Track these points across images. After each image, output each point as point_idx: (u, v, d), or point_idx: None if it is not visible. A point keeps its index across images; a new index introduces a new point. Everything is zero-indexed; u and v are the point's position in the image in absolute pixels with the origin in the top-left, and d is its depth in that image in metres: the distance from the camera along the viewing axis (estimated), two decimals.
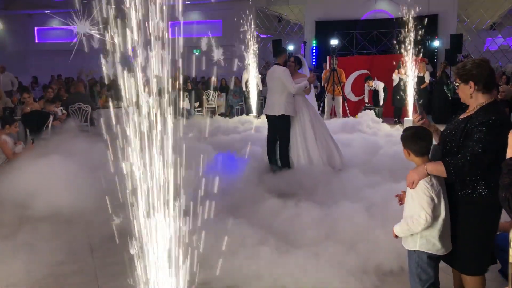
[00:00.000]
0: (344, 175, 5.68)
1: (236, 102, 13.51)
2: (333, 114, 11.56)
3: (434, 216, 2.35)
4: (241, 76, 13.29)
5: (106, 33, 2.05)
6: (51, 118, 7.12)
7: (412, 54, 10.53)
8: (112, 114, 2.15)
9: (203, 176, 2.32)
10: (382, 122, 10.52)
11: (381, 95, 11.44)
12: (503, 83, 10.38)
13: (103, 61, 2.09)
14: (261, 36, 19.10)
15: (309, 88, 6.34)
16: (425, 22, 10.96)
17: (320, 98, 12.12)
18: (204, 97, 13.08)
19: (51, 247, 3.80)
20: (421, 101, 2.72)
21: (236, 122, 10.89)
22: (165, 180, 2.17)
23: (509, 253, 1.68)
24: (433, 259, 2.43)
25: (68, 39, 21.88)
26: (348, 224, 3.93)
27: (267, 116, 6.26)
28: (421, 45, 10.66)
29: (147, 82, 2.10)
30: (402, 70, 10.97)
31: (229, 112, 13.41)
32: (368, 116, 10.40)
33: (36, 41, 22.79)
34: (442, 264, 2.55)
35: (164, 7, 2.07)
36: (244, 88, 12.85)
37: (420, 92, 11.06)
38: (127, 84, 2.09)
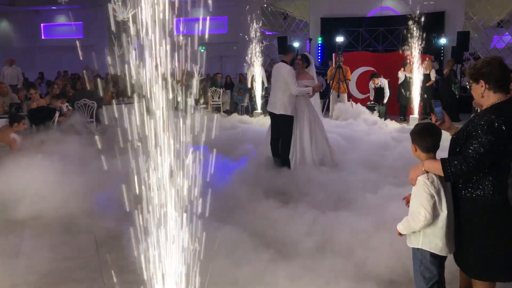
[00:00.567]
0: (341, 176, 5.63)
1: (241, 99, 13.51)
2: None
3: (435, 214, 2.33)
4: (246, 73, 13.28)
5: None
6: (57, 114, 7.16)
7: (418, 51, 10.49)
8: (118, 110, 2.16)
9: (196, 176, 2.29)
10: (384, 120, 10.51)
11: (386, 93, 11.38)
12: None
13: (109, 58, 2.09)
14: (267, 33, 19.06)
15: (312, 94, 6.37)
16: (432, 19, 10.90)
17: (325, 95, 12.09)
18: (209, 94, 13.08)
19: (56, 243, 3.83)
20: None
21: (234, 121, 10.87)
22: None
23: None
24: (437, 258, 2.41)
25: (74, 36, 21.97)
26: (343, 229, 3.80)
27: (270, 113, 6.27)
28: (427, 42, 10.60)
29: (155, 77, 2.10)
30: (408, 68, 10.94)
31: (234, 109, 13.42)
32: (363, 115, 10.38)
33: (42, 37, 22.86)
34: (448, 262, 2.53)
35: (166, 4, 2.07)
36: (249, 85, 12.84)
37: (426, 90, 11.01)
38: (134, 79, 2.09)
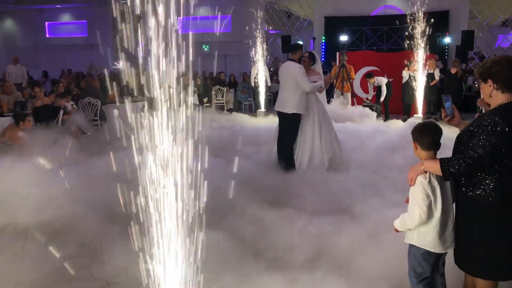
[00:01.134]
0: (344, 179, 5.49)
1: (244, 98, 13.51)
2: None
3: (430, 213, 2.35)
4: (250, 71, 13.28)
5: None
6: (61, 112, 7.19)
7: (423, 50, 10.46)
8: (122, 109, 2.17)
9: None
10: (384, 120, 10.48)
11: (384, 91, 11.29)
12: None
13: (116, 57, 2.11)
14: (270, 31, 19.05)
15: (323, 88, 6.29)
16: (436, 18, 10.86)
17: (329, 94, 12.07)
18: (212, 92, 13.09)
19: (60, 241, 3.85)
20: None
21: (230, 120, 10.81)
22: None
23: None
24: (431, 255, 2.43)
25: (79, 34, 22.05)
26: (339, 237, 3.68)
27: (278, 113, 6.17)
28: (432, 41, 10.56)
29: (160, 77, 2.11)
30: (412, 67, 10.91)
31: (237, 108, 13.42)
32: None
33: (47, 35, 22.95)
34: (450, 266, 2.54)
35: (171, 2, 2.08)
36: (252, 84, 12.84)
37: (430, 89, 10.98)
38: (136, 79, 2.11)
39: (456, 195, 2.45)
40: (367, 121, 10.08)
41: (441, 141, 2.46)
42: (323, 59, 16.52)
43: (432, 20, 10.37)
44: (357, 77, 12.66)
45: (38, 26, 22.67)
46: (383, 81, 11.36)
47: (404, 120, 10.94)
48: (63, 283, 3.26)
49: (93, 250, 3.74)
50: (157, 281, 2.29)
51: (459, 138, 2.43)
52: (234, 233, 3.74)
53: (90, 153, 6.38)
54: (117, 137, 2.14)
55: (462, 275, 2.70)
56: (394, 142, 7.32)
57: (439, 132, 2.43)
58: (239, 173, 5.45)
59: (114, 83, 2.21)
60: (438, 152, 2.46)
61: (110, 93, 9.54)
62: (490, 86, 2.32)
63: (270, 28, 18.87)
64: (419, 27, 10.38)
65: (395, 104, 11.69)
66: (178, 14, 2.13)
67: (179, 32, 2.14)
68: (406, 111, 11.42)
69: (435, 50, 12.80)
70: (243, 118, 11.48)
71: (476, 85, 12.10)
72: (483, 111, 2.62)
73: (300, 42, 16.30)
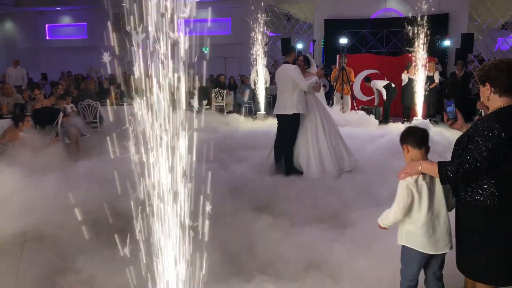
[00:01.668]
0: (339, 185, 5.38)
1: (244, 100, 13.51)
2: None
3: (409, 212, 2.39)
4: (249, 74, 13.29)
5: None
6: (61, 114, 7.19)
7: (422, 53, 10.47)
8: (121, 111, 2.16)
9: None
10: (381, 122, 10.44)
11: (383, 94, 11.24)
12: None
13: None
14: (270, 34, 19.06)
15: (319, 84, 6.26)
16: (436, 21, 10.88)
17: (328, 97, 12.08)
18: (212, 95, 13.09)
19: (59, 241, 3.84)
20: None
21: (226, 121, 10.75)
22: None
23: None
24: (421, 256, 2.45)
25: (79, 36, 22.08)
26: (331, 250, 3.54)
27: (278, 116, 6.18)
28: (431, 44, 10.57)
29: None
30: (412, 70, 10.91)
31: (237, 110, 13.41)
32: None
33: (47, 38, 22.98)
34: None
35: (167, 4, 2.07)
36: (252, 86, 12.84)
37: (430, 91, 10.98)
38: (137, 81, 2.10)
39: (456, 200, 2.46)
40: (365, 125, 10.03)
41: (443, 145, 2.47)
42: (323, 61, 16.55)
43: (431, 23, 10.39)
44: (357, 80, 12.67)
45: (38, 28, 22.71)
46: (379, 85, 11.32)
47: (403, 123, 10.95)
48: None
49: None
50: None
51: (458, 142, 2.43)
52: (222, 242, 3.55)
53: (85, 156, 6.40)
54: (114, 142, 2.12)
55: (463, 279, 2.68)
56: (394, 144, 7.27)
57: (425, 131, 2.49)
58: (233, 178, 5.41)
59: (111, 86, 2.18)
60: (439, 156, 2.46)
61: (111, 95, 9.55)
62: (488, 89, 2.32)
63: (270, 30, 18.89)
64: (419, 30, 10.38)
65: (395, 107, 11.68)
66: (178, 17, 2.13)
67: (179, 34, 2.13)
68: (406, 114, 11.42)
69: (435, 53, 12.81)
70: (241, 121, 11.48)
71: (476, 88, 12.13)
72: (483, 114, 2.61)
73: (300, 46, 16.35)
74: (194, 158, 2.18)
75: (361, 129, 9.34)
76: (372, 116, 10.68)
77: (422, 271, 2.58)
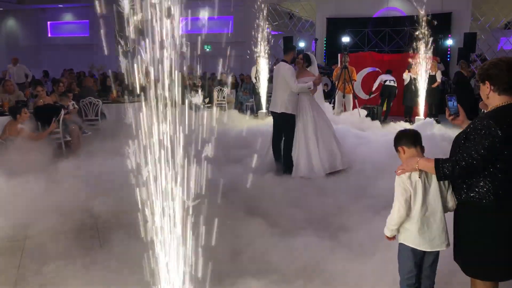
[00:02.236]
0: (339, 185, 5.31)
1: (246, 99, 13.52)
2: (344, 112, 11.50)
3: (410, 208, 2.39)
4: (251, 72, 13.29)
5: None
6: (62, 111, 7.19)
7: (425, 52, 10.44)
8: (123, 109, 2.16)
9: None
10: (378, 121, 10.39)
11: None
12: None
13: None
14: (272, 32, 19.03)
15: (314, 89, 6.20)
16: (439, 20, 10.84)
17: (330, 96, 12.07)
18: (214, 93, 13.09)
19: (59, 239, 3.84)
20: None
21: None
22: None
23: None
24: (416, 254, 2.45)
25: (81, 34, 22.09)
26: (325, 255, 3.40)
27: (272, 113, 6.22)
28: (434, 43, 10.54)
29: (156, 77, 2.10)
30: (414, 70, 10.89)
31: (239, 109, 13.42)
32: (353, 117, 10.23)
33: (49, 35, 23.00)
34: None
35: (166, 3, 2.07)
36: (253, 79, 12.83)
37: (432, 91, 10.96)
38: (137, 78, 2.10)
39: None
40: (364, 125, 9.95)
41: (445, 141, 2.47)
42: (324, 60, 16.53)
43: (435, 22, 10.36)
44: (359, 79, 12.64)
45: (40, 26, 22.73)
46: (383, 78, 11.34)
47: (406, 121, 10.93)
48: None
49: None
50: None
51: (456, 139, 2.45)
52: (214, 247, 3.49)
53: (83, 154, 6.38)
54: (115, 139, 2.12)
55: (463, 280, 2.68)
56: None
57: (416, 131, 2.55)
58: (228, 177, 5.05)
59: (116, 83, 2.18)
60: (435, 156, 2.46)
61: (112, 92, 9.55)
62: (488, 88, 2.32)
63: (272, 29, 18.87)
64: (421, 29, 10.35)
65: (396, 106, 11.67)
66: (181, 15, 2.12)
67: (181, 32, 2.13)
68: (408, 113, 11.40)
69: (437, 53, 12.78)
70: (243, 119, 11.46)
71: (477, 87, 12.09)
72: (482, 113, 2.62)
73: (302, 44, 16.32)
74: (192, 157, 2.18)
75: (362, 128, 9.30)
76: (376, 121, 10.56)
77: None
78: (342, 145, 6.36)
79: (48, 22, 22.82)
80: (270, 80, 12.44)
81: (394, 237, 2.55)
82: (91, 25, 21.61)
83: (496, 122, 2.19)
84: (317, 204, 4.70)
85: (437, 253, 2.51)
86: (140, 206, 2.21)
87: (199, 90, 2.19)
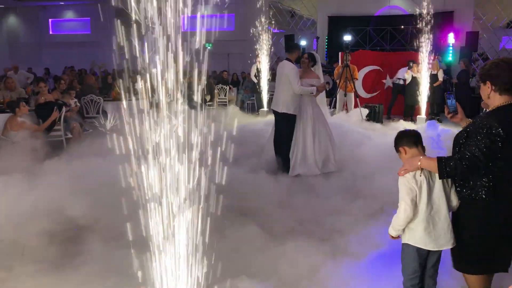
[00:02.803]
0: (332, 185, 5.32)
1: (247, 97, 13.51)
2: (345, 110, 11.47)
3: (416, 208, 2.39)
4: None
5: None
6: (64, 109, 7.19)
7: (426, 51, 10.42)
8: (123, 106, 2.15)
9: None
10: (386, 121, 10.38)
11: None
12: None
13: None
14: (274, 31, 19.01)
15: (317, 94, 6.22)
16: (441, 19, 10.81)
17: (332, 94, 12.05)
18: (216, 91, 13.08)
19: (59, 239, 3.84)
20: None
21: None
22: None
23: None
24: (421, 253, 2.45)
25: (82, 31, 22.08)
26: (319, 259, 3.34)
27: (273, 111, 6.22)
28: (436, 42, 10.52)
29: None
30: (415, 68, 10.86)
31: (240, 107, 13.41)
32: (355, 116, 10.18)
33: (50, 32, 22.99)
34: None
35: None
36: (252, 77, 12.81)
37: (433, 90, 10.93)
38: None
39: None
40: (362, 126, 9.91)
41: (447, 140, 2.48)
42: (326, 58, 16.50)
43: (436, 20, 10.34)
44: (360, 77, 12.61)
45: (41, 23, 22.72)
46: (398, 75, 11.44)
47: (406, 120, 10.91)
48: None
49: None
50: None
51: (456, 138, 2.48)
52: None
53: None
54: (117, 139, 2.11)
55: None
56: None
57: (417, 131, 2.56)
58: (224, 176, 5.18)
59: (115, 82, 2.18)
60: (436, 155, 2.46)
61: (114, 90, 9.54)
62: (489, 87, 2.35)
63: (274, 27, 18.85)
64: (423, 28, 10.32)
65: (397, 105, 11.64)
66: (182, 12, 2.11)
67: (183, 30, 2.12)
68: (409, 112, 11.38)
69: (439, 51, 12.76)
70: (243, 117, 11.43)
71: (477, 86, 12.01)
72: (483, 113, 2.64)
73: (303, 43, 16.29)
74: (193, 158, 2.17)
75: (363, 127, 9.28)
76: (378, 124, 10.52)
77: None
78: (338, 148, 6.41)
79: (50, 20, 22.81)
80: (272, 78, 12.43)
81: (398, 236, 2.54)
82: (93, 23, 21.60)
83: (498, 121, 2.22)
84: (313, 204, 4.68)
85: (440, 253, 2.51)
86: (125, 209, 2.19)
87: (201, 89, 2.19)
